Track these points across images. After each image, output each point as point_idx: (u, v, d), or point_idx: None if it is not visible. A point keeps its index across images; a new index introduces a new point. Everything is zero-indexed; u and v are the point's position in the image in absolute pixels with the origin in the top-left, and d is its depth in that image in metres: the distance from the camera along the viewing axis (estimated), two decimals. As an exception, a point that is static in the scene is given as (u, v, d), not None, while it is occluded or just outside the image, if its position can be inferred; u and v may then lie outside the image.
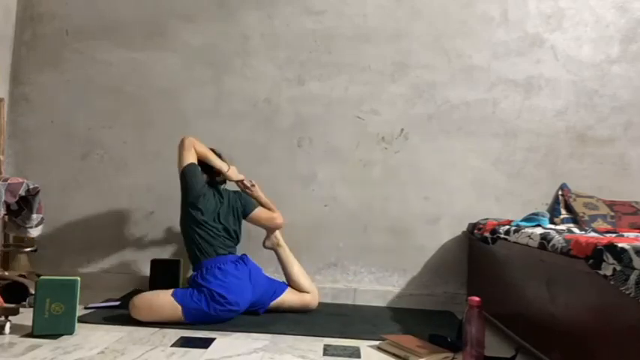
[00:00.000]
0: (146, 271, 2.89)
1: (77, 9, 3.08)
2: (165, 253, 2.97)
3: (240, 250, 2.54)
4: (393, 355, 1.94)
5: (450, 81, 3.00)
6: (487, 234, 2.46)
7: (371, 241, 2.95)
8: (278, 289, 2.53)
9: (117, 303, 2.48)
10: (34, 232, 2.37)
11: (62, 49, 3.07)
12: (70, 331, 1.96)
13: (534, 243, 1.91)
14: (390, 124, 3.00)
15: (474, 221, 2.78)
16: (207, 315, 2.19)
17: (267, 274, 2.58)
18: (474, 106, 3.00)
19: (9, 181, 2.15)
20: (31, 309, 1.94)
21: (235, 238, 2.52)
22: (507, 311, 2.24)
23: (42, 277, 2.02)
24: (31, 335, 1.90)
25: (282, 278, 2.65)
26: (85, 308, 2.39)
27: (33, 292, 2.37)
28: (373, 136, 3.00)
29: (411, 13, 3.03)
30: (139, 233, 3.00)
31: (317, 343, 2.03)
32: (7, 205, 2.19)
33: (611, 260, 1.38)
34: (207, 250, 2.37)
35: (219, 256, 2.37)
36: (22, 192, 2.20)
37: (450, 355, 1.91)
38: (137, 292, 2.79)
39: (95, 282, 2.87)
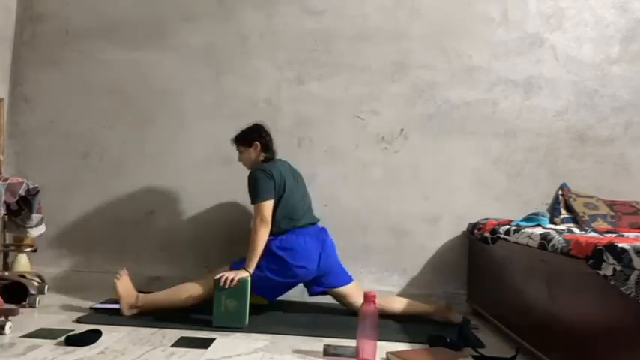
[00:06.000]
0: (149, 272, 2.91)
1: (77, 9, 3.08)
2: (166, 253, 2.97)
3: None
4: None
5: (450, 81, 3.00)
6: (487, 234, 2.46)
7: (371, 241, 2.95)
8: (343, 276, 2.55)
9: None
10: (34, 232, 2.37)
11: (62, 49, 3.07)
12: (242, 324, 2.19)
13: (534, 243, 1.91)
14: (390, 124, 3.00)
15: (474, 221, 2.78)
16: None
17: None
18: (474, 106, 3.00)
19: (9, 181, 2.15)
20: (31, 309, 1.94)
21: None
22: (507, 311, 2.24)
23: (218, 277, 2.23)
24: (211, 327, 2.14)
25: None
26: (91, 308, 2.38)
27: (33, 292, 2.38)
28: (373, 136, 3.00)
29: (411, 13, 3.03)
30: (139, 233, 3.00)
31: (317, 343, 2.03)
32: (7, 205, 2.19)
33: (611, 260, 1.38)
34: None
35: None
36: (22, 192, 2.20)
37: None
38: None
39: (95, 282, 2.87)
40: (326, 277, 2.49)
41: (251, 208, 2.92)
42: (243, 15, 3.05)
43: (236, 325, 2.19)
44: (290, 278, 2.41)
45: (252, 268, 2.33)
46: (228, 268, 2.37)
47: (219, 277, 2.23)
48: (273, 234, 2.43)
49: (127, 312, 2.28)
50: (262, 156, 2.57)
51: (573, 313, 1.64)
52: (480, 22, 3.03)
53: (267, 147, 2.59)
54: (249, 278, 2.28)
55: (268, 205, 2.40)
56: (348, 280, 2.54)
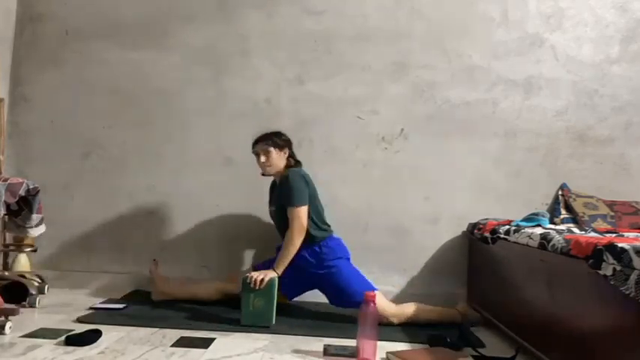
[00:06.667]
0: (146, 272, 2.91)
1: (77, 9, 3.08)
2: (165, 253, 2.97)
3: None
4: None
5: (450, 81, 3.00)
6: (487, 234, 2.46)
7: (371, 241, 2.95)
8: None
9: (122, 306, 2.45)
10: (34, 232, 2.37)
11: (62, 49, 3.07)
12: (270, 323, 2.21)
13: (534, 243, 1.91)
14: (390, 124, 3.00)
15: (474, 221, 2.78)
16: None
17: None
18: (474, 106, 3.00)
19: (9, 181, 2.16)
20: (31, 309, 1.94)
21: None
22: (507, 311, 2.24)
23: (246, 277, 2.25)
24: (239, 325, 2.18)
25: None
26: (91, 308, 2.38)
27: (33, 292, 2.38)
28: (373, 136, 3.00)
29: (411, 13, 3.03)
30: (138, 233, 2.99)
31: (317, 343, 2.03)
32: (7, 205, 2.19)
33: (611, 260, 1.38)
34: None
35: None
36: (22, 192, 2.20)
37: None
38: (138, 292, 2.80)
39: (95, 282, 2.87)
40: None
41: (250, 207, 2.95)
42: (243, 15, 3.05)
43: (263, 325, 2.20)
44: None
45: (281, 270, 2.31)
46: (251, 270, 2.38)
47: (247, 278, 2.23)
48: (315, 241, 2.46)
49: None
50: (287, 162, 2.54)
51: (573, 313, 1.64)
52: (480, 22, 3.03)
53: (293, 155, 2.59)
54: (277, 278, 2.28)
55: (306, 211, 2.40)
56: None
